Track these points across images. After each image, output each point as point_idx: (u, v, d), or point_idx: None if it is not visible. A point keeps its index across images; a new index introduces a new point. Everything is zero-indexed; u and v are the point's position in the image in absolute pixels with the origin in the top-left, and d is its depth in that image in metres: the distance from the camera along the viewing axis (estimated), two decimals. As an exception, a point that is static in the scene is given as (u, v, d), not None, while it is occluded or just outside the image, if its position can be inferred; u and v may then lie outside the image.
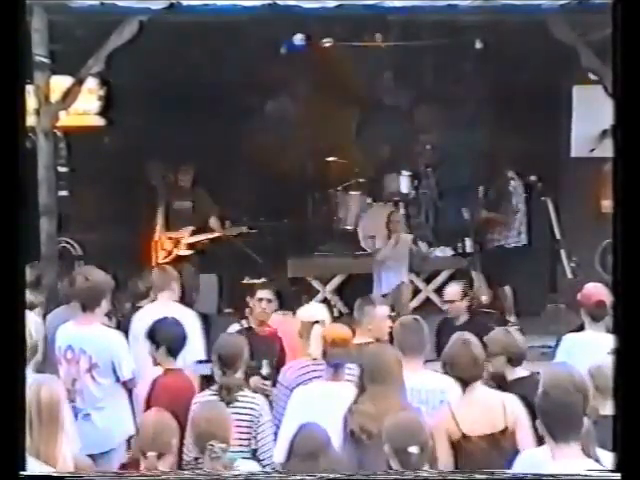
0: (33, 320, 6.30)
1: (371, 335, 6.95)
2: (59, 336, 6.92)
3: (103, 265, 7.55)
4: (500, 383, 6.18)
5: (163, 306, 7.79)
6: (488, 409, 5.64)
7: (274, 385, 6.90)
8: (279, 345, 7.63)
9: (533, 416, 5.22)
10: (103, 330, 6.96)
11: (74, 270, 8.81)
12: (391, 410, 5.31)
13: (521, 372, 6.29)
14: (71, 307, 7.39)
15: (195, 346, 7.52)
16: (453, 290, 8.39)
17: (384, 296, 10.09)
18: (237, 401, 6.09)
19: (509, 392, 5.87)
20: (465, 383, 5.73)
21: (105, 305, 7.05)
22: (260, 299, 7.88)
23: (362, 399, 5.64)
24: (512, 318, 10.97)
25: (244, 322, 7.88)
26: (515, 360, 6.30)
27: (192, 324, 7.63)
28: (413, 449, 4.72)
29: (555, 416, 4.29)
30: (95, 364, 6.78)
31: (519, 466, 4.90)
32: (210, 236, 11.02)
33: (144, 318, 7.56)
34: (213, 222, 11.06)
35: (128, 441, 6.77)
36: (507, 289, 11.03)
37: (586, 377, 5.17)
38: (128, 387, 6.92)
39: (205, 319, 8.57)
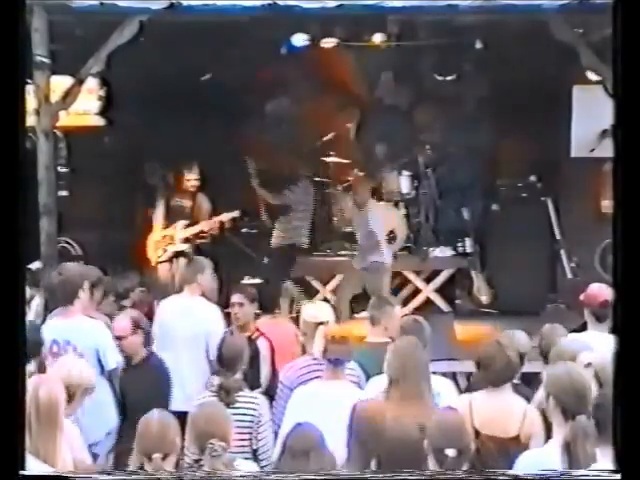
0: (84, 367, 5.86)
1: (387, 334, 6.90)
2: (44, 333, 6.84)
3: (102, 265, 7.55)
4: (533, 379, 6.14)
5: (186, 298, 7.89)
6: (508, 414, 5.51)
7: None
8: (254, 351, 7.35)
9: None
10: (86, 320, 7.02)
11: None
12: (419, 407, 5.27)
13: None
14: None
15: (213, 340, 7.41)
16: (122, 324, 7.16)
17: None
18: (237, 402, 6.10)
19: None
20: (495, 385, 5.58)
21: (85, 297, 7.07)
22: (232, 304, 7.81)
23: (389, 395, 5.53)
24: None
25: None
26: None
27: (215, 318, 7.69)
28: (450, 452, 4.61)
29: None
30: (80, 354, 6.74)
31: (521, 466, 4.90)
32: (205, 227, 10.87)
33: (167, 309, 7.81)
34: (204, 224, 10.93)
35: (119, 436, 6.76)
36: None
37: (589, 377, 5.19)
38: (110, 378, 6.94)
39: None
